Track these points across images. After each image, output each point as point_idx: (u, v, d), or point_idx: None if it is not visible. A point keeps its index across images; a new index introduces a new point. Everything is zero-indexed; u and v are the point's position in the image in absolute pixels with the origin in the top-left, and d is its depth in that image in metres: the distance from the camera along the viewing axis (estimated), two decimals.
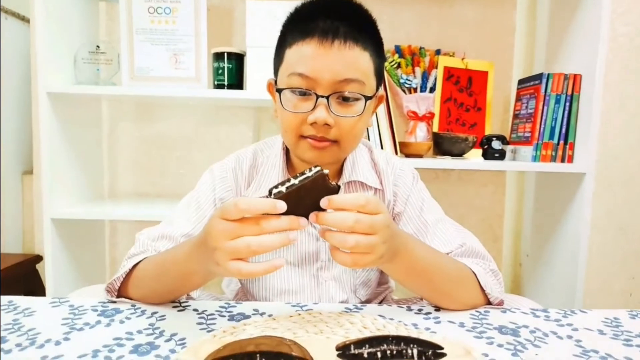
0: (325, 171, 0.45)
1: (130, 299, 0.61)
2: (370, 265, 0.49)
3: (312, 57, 0.58)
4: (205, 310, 0.59)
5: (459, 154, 1.26)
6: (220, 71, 1.20)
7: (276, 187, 0.44)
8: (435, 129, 1.36)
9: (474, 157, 1.30)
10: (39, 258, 1.45)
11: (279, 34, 0.65)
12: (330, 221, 0.46)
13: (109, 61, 1.24)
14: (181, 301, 0.62)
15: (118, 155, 1.47)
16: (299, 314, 0.54)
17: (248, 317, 0.57)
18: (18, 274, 1.36)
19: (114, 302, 0.61)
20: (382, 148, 1.22)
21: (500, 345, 0.50)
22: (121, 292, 0.62)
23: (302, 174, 0.44)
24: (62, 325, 0.53)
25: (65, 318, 0.55)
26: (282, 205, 0.43)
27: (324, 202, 0.45)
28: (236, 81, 1.20)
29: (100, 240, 1.46)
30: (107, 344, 0.49)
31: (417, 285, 0.60)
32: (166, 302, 0.61)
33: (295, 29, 0.60)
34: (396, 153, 1.25)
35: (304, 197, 0.45)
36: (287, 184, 0.44)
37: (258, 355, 0.38)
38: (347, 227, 0.46)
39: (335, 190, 0.46)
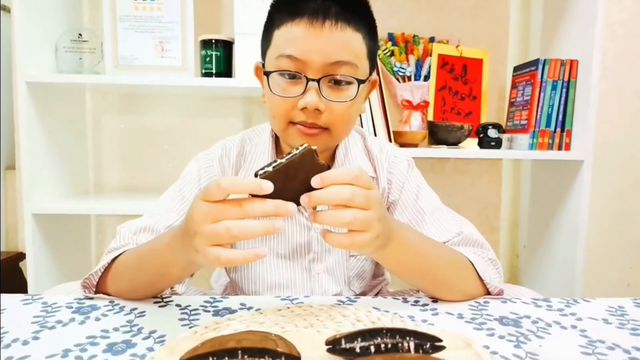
0: (314, 147, 0.41)
1: (109, 294, 0.57)
2: (368, 245, 0.45)
3: (301, 38, 0.54)
4: (189, 306, 0.55)
5: (455, 143, 1.23)
6: (208, 59, 1.15)
7: (262, 168, 0.41)
8: (430, 117, 1.32)
9: (470, 146, 1.27)
10: (22, 256, 1.41)
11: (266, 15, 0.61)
12: (324, 197, 0.42)
13: (92, 50, 1.19)
14: (163, 296, 0.58)
15: (103, 148, 1.42)
16: (288, 308, 0.50)
17: (234, 311, 0.54)
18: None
19: (91, 298, 0.57)
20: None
21: (501, 337, 0.47)
22: (100, 288, 0.58)
23: (289, 153, 0.41)
24: (33, 323, 0.50)
25: (37, 316, 0.52)
26: (269, 185, 0.40)
27: (315, 180, 0.42)
28: (224, 69, 1.16)
29: (86, 237, 1.42)
30: (80, 342, 0.45)
31: (413, 275, 0.57)
32: (146, 298, 0.57)
33: (284, 9, 0.57)
34: (390, 142, 1.22)
35: (293, 178, 0.42)
36: (274, 164, 0.41)
37: (240, 351, 0.34)
38: (343, 200, 0.42)
39: (325, 168, 0.43)
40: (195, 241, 0.42)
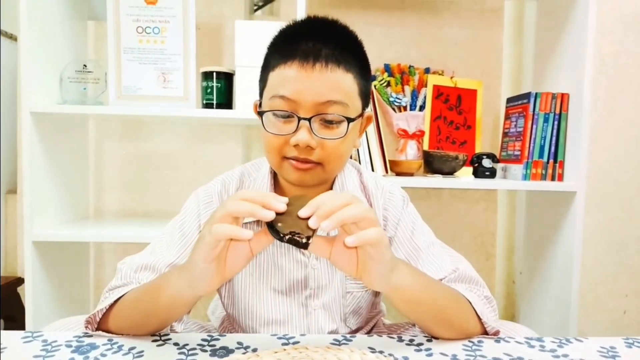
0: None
1: (110, 332, 0.58)
2: (381, 238, 0.49)
3: (293, 79, 0.57)
4: (187, 345, 0.56)
5: (450, 172, 1.25)
6: (209, 90, 1.19)
7: None
8: (426, 147, 1.35)
9: (465, 175, 1.30)
10: (20, 281, 1.40)
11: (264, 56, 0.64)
12: (325, 208, 0.47)
13: (96, 80, 1.22)
14: (161, 334, 0.59)
15: (104, 175, 1.44)
16: (285, 349, 0.51)
17: (231, 351, 0.55)
18: None
19: (90, 336, 0.58)
20: (372, 166, 1.21)
21: None
22: (101, 325, 0.59)
23: None
24: None
25: (37, 355, 0.52)
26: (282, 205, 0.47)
27: (304, 211, 0.47)
28: (225, 100, 1.19)
29: (85, 262, 1.42)
30: None
31: (420, 310, 0.58)
32: (150, 333, 0.58)
33: (278, 51, 0.60)
34: (386, 171, 1.24)
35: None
36: None
37: None
38: (343, 202, 0.48)
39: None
40: (202, 232, 0.50)
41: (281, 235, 0.46)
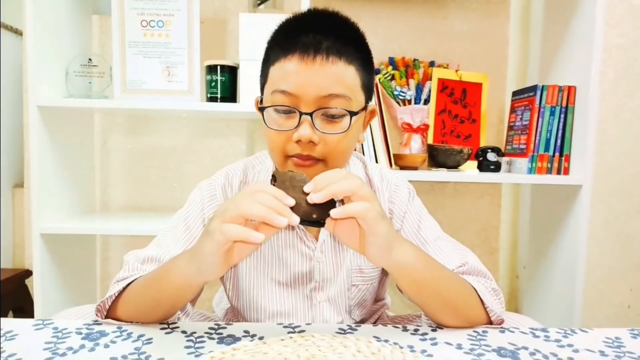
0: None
1: (119, 319, 0.59)
2: (367, 212, 0.50)
3: (294, 73, 0.57)
4: (194, 333, 0.57)
5: (454, 166, 1.25)
6: (213, 84, 1.19)
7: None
8: (430, 140, 1.35)
9: (469, 169, 1.29)
10: (28, 273, 1.42)
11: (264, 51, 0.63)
12: (321, 182, 0.50)
13: (101, 74, 1.23)
14: (169, 322, 0.60)
15: (110, 168, 1.45)
16: (291, 337, 0.52)
17: (238, 339, 0.55)
18: (7, 289, 1.33)
19: (100, 324, 0.59)
20: (376, 160, 1.21)
21: None
22: (109, 314, 0.60)
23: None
24: (44, 350, 0.51)
25: (48, 342, 0.53)
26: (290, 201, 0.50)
27: (308, 186, 0.50)
28: (229, 94, 1.19)
29: (92, 255, 1.44)
30: None
31: (424, 292, 0.58)
32: (158, 320, 0.59)
33: (278, 46, 0.60)
34: (391, 165, 1.24)
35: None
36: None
37: None
38: (336, 177, 0.51)
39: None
40: (211, 225, 0.50)
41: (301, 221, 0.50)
